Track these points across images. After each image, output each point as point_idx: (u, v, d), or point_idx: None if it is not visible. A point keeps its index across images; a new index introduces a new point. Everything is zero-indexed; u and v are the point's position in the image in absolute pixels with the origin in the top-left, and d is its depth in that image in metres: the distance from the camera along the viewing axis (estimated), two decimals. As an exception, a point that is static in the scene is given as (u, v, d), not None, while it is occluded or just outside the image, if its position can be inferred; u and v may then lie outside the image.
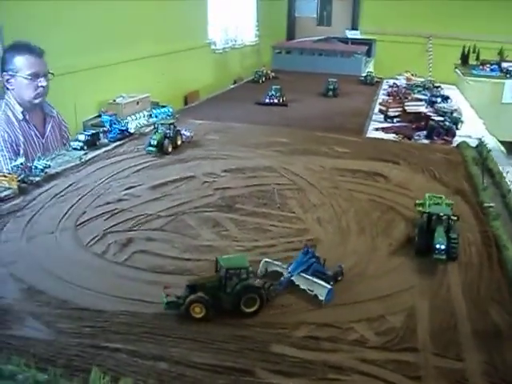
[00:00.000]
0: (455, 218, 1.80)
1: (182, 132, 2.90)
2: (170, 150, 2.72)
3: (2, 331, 1.29)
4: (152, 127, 2.97)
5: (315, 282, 1.49)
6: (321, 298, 1.47)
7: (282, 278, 1.53)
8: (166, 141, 2.71)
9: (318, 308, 1.45)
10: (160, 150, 2.68)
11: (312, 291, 1.49)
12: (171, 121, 2.89)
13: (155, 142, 2.68)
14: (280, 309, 1.45)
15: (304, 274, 1.52)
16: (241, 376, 1.18)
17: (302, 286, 1.52)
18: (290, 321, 1.39)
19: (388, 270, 1.69)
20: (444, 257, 1.70)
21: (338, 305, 1.48)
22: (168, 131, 2.76)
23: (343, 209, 2.13)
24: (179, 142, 2.83)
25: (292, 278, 1.53)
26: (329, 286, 1.47)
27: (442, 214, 1.78)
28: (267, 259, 1.62)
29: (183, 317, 1.38)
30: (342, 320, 1.41)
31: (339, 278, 1.57)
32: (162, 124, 2.80)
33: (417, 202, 2.01)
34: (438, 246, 1.69)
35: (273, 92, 4.25)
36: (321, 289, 1.47)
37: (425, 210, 1.85)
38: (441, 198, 1.97)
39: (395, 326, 1.40)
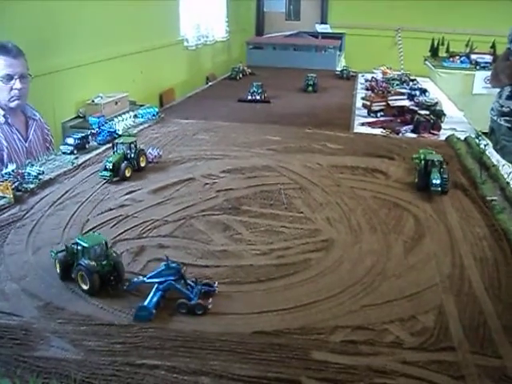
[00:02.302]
0: (445, 163, 2.35)
1: (149, 151, 2.55)
2: (128, 174, 2.33)
3: (29, 353, 1.22)
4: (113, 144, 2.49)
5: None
6: None
7: (136, 279, 1.48)
8: (124, 163, 2.33)
9: (348, 311, 1.43)
10: (116, 174, 2.32)
11: None
12: (132, 139, 2.46)
13: (110, 165, 2.30)
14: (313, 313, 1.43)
15: (157, 286, 1.44)
16: (288, 387, 1.15)
17: None
18: (324, 325, 1.36)
19: (407, 268, 1.68)
20: (439, 189, 2.25)
21: (367, 306, 1.46)
22: (128, 151, 2.39)
23: (350, 207, 2.11)
24: (143, 164, 2.45)
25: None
26: (145, 304, 1.37)
27: (435, 160, 2.32)
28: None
29: (215, 326, 1.34)
30: (374, 322, 1.39)
31: (198, 312, 1.39)
32: (122, 143, 2.41)
33: (413, 156, 2.48)
34: (434, 182, 2.25)
35: (254, 88, 4.21)
36: None
37: (422, 159, 2.35)
38: (432, 152, 2.44)
39: (428, 325, 1.38)
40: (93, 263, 1.47)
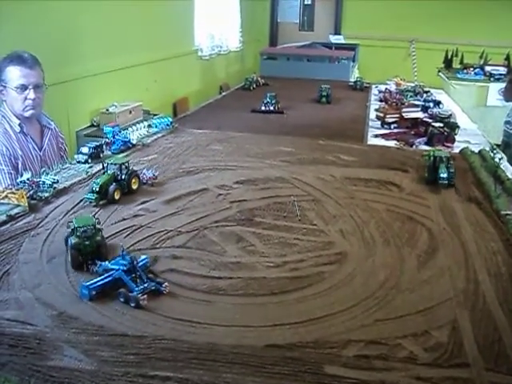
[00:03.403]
0: (452, 158, 2.56)
1: (143, 172, 2.42)
2: (117, 197, 2.19)
3: (43, 362, 1.23)
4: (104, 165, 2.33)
5: None
6: None
7: (103, 263, 1.60)
8: (113, 186, 2.19)
9: (361, 325, 1.43)
10: (104, 197, 2.18)
11: None
12: (124, 160, 2.34)
13: (97, 187, 2.15)
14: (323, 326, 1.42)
15: (112, 272, 1.55)
16: (300, 401, 1.15)
17: None
18: (337, 339, 1.36)
19: (421, 282, 1.66)
20: (446, 182, 2.46)
21: (381, 320, 1.45)
22: (119, 173, 2.26)
23: (364, 220, 2.10)
24: (135, 186, 2.30)
25: None
26: (86, 284, 1.49)
27: (443, 156, 2.52)
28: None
29: (227, 339, 1.34)
30: (387, 336, 1.38)
31: (131, 304, 1.46)
32: (112, 163, 2.28)
33: (423, 153, 2.67)
34: (441, 175, 2.46)
35: (268, 99, 4.23)
36: None
37: (431, 155, 2.54)
38: (440, 150, 2.69)
39: (442, 340, 1.37)
40: (76, 241, 1.65)
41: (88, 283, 1.50)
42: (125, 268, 1.54)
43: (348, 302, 1.53)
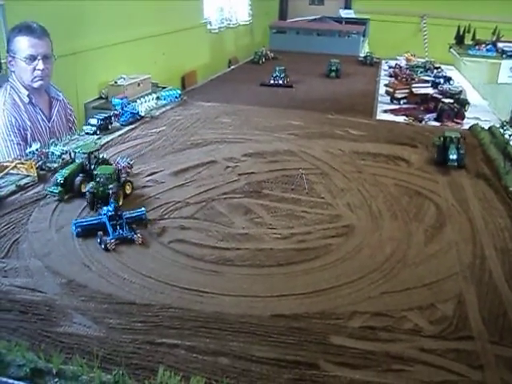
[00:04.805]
0: (463, 139, 2.46)
1: (117, 161, 2.12)
2: (84, 189, 1.92)
3: (53, 328, 1.25)
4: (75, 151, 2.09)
5: None
6: None
7: (104, 208, 1.73)
8: (79, 178, 1.95)
9: (368, 297, 1.44)
10: (69, 190, 1.94)
11: None
12: (94, 148, 2.08)
13: (61, 180, 1.92)
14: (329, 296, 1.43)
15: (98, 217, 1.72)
16: (306, 370, 1.16)
17: None
18: (343, 310, 1.37)
19: (428, 256, 1.67)
20: (455, 164, 2.38)
21: (387, 293, 1.46)
22: (87, 162, 2.02)
23: (371, 194, 2.10)
24: None
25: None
26: (74, 221, 1.69)
27: (453, 136, 2.43)
28: None
29: (235, 308, 1.36)
30: (393, 309, 1.39)
31: (101, 246, 1.61)
32: (82, 152, 2.03)
33: (434, 138, 2.55)
34: (451, 157, 2.38)
35: (277, 73, 4.21)
36: None
37: (441, 136, 2.46)
38: (451, 130, 2.59)
39: (447, 314, 1.38)
40: (92, 184, 1.85)
41: (76, 221, 1.70)
42: (109, 214, 1.68)
43: (354, 274, 1.54)
